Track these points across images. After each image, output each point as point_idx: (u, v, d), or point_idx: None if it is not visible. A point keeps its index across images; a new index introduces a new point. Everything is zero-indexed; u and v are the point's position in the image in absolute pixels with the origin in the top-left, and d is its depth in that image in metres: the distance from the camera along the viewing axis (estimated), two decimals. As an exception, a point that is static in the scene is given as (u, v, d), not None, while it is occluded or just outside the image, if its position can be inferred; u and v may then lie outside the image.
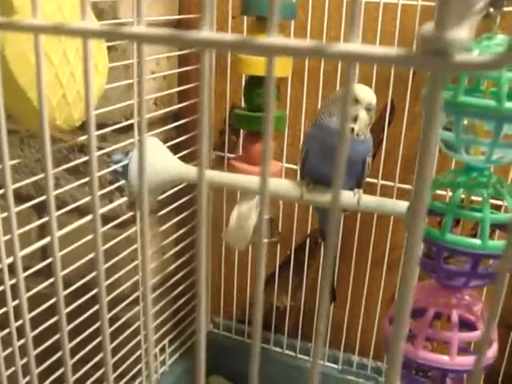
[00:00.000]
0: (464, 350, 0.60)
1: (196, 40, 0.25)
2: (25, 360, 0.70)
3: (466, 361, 0.58)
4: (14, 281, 0.72)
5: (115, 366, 0.97)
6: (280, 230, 1.06)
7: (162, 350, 1.10)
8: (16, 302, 0.73)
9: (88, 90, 0.29)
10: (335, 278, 1.03)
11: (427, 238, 0.55)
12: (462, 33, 0.21)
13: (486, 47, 0.50)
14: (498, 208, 0.62)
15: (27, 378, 0.74)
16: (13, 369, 0.74)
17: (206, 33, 0.25)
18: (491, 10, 0.45)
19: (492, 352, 0.60)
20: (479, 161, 0.55)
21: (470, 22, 0.24)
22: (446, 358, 0.58)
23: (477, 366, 0.30)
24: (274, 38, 0.24)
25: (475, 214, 0.55)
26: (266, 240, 0.99)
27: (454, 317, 0.58)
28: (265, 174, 0.28)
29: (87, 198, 0.87)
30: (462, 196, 0.57)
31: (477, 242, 0.54)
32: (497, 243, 0.54)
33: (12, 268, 0.71)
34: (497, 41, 0.50)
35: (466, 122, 0.53)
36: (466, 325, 0.60)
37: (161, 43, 0.26)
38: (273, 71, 0.25)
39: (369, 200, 0.81)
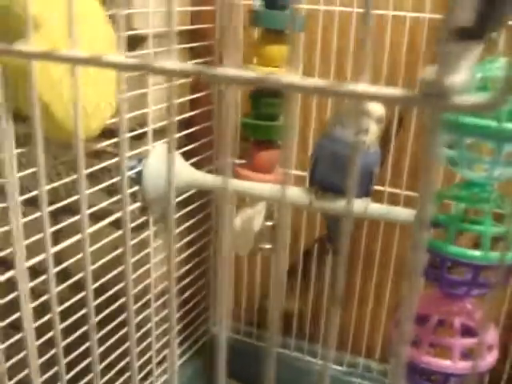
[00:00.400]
0: (465, 355, 0.63)
1: (222, 77, 0.28)
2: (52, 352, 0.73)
3: (468, 366, 0.60)
4: (33, 283, 0.75)
5: (125, 368, 1.00)
6: (288, 235, 1.08)
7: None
8: (36, 303, 0.76)
9: (122, 115, 0.32)
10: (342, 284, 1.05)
11: (431, 249, 0.58)
12: (460, 76, 0.24)
13: (487, 70, 0.52)
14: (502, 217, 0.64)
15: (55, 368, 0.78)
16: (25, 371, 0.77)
17: (232, 70, 0.28)
18: (493, 34, 0.48)
19: (492, 357, 0.63)
20: (481, 177, 0.57)
21: (468, 62, 0.26)
22: (448, 362, 0.60)
23: (474, 368, 0.32)
24: (289, 76, 0.26)
25: (476, 227, 0.57)
26: (268, 246, 1.02)
27: (456, 324, 0.61)
28: (284, 186, 0.30)
29: (103, 204, 0.89)
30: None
31: (478, 253, 0.56)
32: (497, 255, 0.57)
33: (32, 271, 0.74)
34: (499, 64, 0.53)
35: (468, 141, 0.56)
36: (467, 331, 0.62)
37: (189, 77, 0.29)
38: (292, 107, 0.28)
39: (376, 208, 0.83)
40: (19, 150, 0.71)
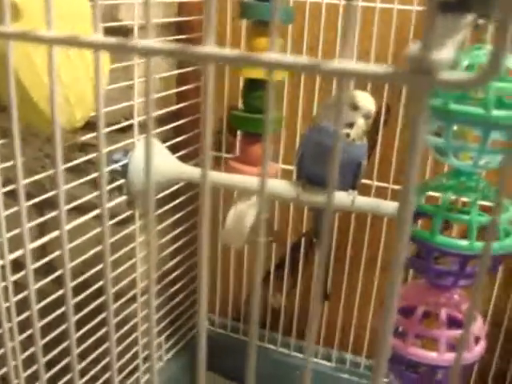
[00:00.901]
0: (453, 347, 0.62)
1: (201, 54, 0.27)
2: (31, 350, 0.72)
3: (454, 357, 0.60)
4: (16, 277, 0.74)
5: (108, 365, 0.99)
6: (276, 228, 1.08)
7: (159, 346, 1.12)
8: (18, 297, 0.75)
9: (98, 96, 0.31)
10: (329, 278, 1.05)
11: (417, 239, 0.57)
12: (446, 52, 0.23)
13: (475, 57, 0.52)
14: (486, 210, 0.64)
15: (34, 368, 0.77)
16: (14, 362, 0.76)
17: (210, 48, 0.27)
18: (480, 21, 0.47)
19: (479, 349, 0.62)
20: (467, 165, 0.57)
21: (453, 40, 0.26)
22: (434, 354, 0.60)
23: (457, 360, 0.32)
24: (273, 54, 0.26)
25: (463, 216, 0.57)
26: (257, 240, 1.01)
27: (443, 315, 0.60)
28: (264, 175, 0.29)
29: (87, 197, 0.88)
30: (453, 197, 0.59)
31: (464, 243, 0.56)
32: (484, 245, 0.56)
33: (14, 265, 0.73)
34: (485, 50, 0.52)
35: (455, 127, 0.56)
36: (454, 323, 0.62)
37: (168, 56, 0.28)
38: (272, 82, 0.27)
39: (362, 201, 0.83)
40: (1, 141, 0.70)
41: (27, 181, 0.78)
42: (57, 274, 0.82)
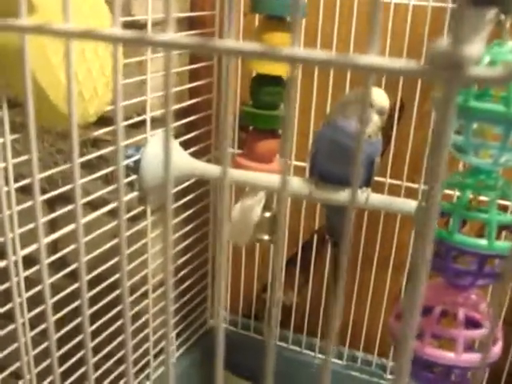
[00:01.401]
0: (469, 348, 0.61)
1: (222, 48, 0.26)
2: (45, 344, 0.72)
3: (471, 358, 0.59)
4: (28, 272, 0.74)
5: (122, 359, 0.99)
6: (287, 226, 1.07)
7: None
8: (30, 292, 0.75)
9: (117, 91, 0.31)
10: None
11: (435, 238, 0.57)
12: (475, 47, 0.22)
13: (496, 54, 0.51)
14: (505, 209, 0.63)
15: (48, 361, 0.77)
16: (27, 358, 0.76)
17: (232, 42, 0.26)
18: (502, 17, 0.47)
19: (496, 349, 0.62)
20: (487, 163, 0.56)
21: (481, 35, 0.25)
22: (451, 354, 0.59)
23: (482, 362, 0.31)
24: (298, 49, 0.25)
25: (482, 215, 0.56)
26: (266, 237, 1.01)
27: (461, 315, 0.60)
28: (285, 174, 0.29)
29: (100, 193, 0.88)
30: (471, 196, 0.58)
31: (483, 242, 0.55)
32: (503, 244, 0.55)
33: (26, 260, 0.73)
34: (507, 48, 0.52)
35: (475, 126, 0.55)
36: (471, 323, 0.61)
37: (188, 49, 0.27)
38: (296, 79, 0.26)
39: (376, 198, 0.82)
40: (14, 136, 0.70)
41: (42, 175, 0.78)
42: (70, 268, 0.82)
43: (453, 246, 0.56)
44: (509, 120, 0.49)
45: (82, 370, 0.84)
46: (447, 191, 0.63)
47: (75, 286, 0.82)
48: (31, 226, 0.70)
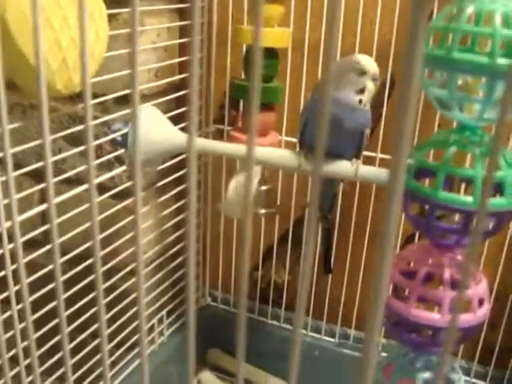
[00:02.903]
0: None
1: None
2: (23, 325, 0.71)
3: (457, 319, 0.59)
4: (11, 245, 0.73)
5: (113, 336, 0.98)
6: (279, 202, 1.06)
7: (160, 320, 1.11)
8: (14, 266, 0.74)
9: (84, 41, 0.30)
10: (332, 251, 1.03)
11: (420, 196, 0.56)
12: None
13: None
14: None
15: (25, 343, 0.76)
16: (11, 333, 0.75)
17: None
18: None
19: (483, 311, 0.61)
20: (472, 119, 0.55)
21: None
22: (437, 316, 0.59)
23: (453, 320, 0.30)
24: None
25: (467, 171, 0.55)
26: (263, 210, 1.00)
27: (446, 275, 0.59)
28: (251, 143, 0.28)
29: (84, 167, 0.87)
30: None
31: (468, 198, 0.55)
32: (489, 201, 0.55)
33: (10, 233, 0.72)
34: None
35: (460, 81, 0.54)
36: (457, 286, 0.60)
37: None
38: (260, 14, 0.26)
39: (366, 170, 0.81)
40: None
41: (14, 150, 0.77)
42: (47, 248, 0.81)
43: (437, 204, 0.55)
44: (493, 72, 0.48)
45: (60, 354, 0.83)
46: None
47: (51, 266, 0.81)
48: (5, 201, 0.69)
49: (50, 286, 0.80)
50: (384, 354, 0.89)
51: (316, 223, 0.29)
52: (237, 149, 0.87)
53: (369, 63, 0.77)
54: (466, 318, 0.60)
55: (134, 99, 0.32)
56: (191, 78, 0.29)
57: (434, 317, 0.59)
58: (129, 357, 1.03)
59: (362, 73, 0.77)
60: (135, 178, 0.33)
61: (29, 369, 0.78)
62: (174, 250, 1.09)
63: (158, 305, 1.09)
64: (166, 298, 1.12)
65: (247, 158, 0.28)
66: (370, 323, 0.28)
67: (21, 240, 0.74)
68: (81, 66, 0.70)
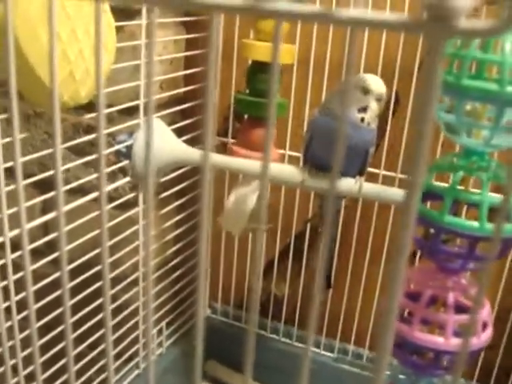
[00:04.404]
0: (459, 334, 0.61)
1: (204, 4, 0.26)
2: (26, 332, 0.71)
3: (461, 343, 0.58)
4: (15, 255, 0.73)
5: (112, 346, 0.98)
6: (280, 216, 1.07)
7: (160, 332, 1.11)
8: (18, 275, 0.74)
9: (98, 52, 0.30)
10: (333, 266, 1.03)
11: (426, 220, 0.56)
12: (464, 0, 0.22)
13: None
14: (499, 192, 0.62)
15: (25, 353, 0.76)
16: (12, 342, 0.75)
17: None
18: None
19: (486, 335, 0.61)
20: (479, 144, 0.56)
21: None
22: (440, 339, 0.59)
23: (464, 344, 0.30)
24: (282, 3, 0.24)
25: (474, 196, 0.56)
26: (258, 226, 1.00)
27: (450, 299, 0.59)
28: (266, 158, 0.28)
29: (90, 177, 0.87)
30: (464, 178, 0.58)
31: (475, 224, 0.55)
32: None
33: (15, 243, 0.72)
34: None
35: (468, 107, 0.54)
36: (461, 309, 0.61)
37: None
38: (280, 35, 0.26)
39: (370, 187, 0.82)
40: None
41: (24, 159, 0.77)
42: (54, 255, 0.81)
43: (443, 228, 0.55)
44: (501, 99, 0.49)
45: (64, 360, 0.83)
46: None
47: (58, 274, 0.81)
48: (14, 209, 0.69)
49: (52, 297, 0.80)
50: (387, 372, 0.89)
51: (329, 242, 0.29)
52: (240, 163, 0.87)
53: (374, 83, 0.77)
54: (471, 342, 0.60)
55: (150, 108, 0.32)
56: (206, 96, 0.29)
57: (438, 340, 0.59)
58: (126, 368, 1.03)
59: (367, 91, 0.77)
60: (146, 184, 0.33)
61: (29, 378, 0.79)
62: (175, 262, 1.09)
63: (157, 316, 1.09)
64: (165, 309, 1.12)
65: (262, 175, 0.28)
66: (382, 344, 0.28)
67: (28, 248, 0.75)
68: (92, 78, 0.70)
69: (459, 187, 0.56)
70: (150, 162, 0.32)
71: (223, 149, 1.07)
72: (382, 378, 0.28)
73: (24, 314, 0.74)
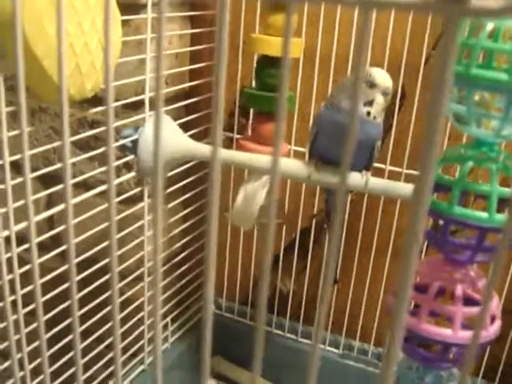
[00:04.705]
0: (467, 326, 0.60)
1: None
2: (34, 325, 0.71)
3: (469, 335, 0.58)
4: (21, 248, 0.73)
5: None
6: (286, 211, 1.06)
7: (165, 327, 1.11)
8: (22, 269, 0.74)
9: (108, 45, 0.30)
10: (339, 262, 1.03)
11: (434, 211, 0.56)
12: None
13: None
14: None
15: (31, 347, 0.76)
16: (18, 336, 0.75)
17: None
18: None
19: (494, 328, 0.61)
20: (489, 135, 0.55)
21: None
22: (448, 331, 0.58)
23: (475, 337, 0.30)
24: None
25: (483, 187, 0.55)
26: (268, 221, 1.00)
27: (458, 291, 0.59)
28: (277, 152, 0.28)
29: (95, 172, 0.87)
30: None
31: (484, 215, 0.54)
32: (504, 217, 0.54)
33: (20, 237, 0.72)
34: None
35: (477, 97, 0.54)
36: (469, 302, 0.60)
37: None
38: (292, 20, 0.25)
39: (376, 182, 0.81)
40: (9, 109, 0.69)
41: (30, 152, 0.77)
42: (61, 249, 0.81)
43: (452, 219, 0.55)
44: (511, 89, 0.48)
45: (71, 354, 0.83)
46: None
47: (65, 267, 0.81)
48: (21, 202, 0.69)
49: (58, 290, 0.80)
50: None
51: (340, 237, 0.29)
52: (250, 158, 0.87)
53: (381, 76, 0.77)
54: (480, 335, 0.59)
55: (158, 102, 0.31)
56: (216, 93, 0.29)
57: (446, 332, 0.58)
58: (132, 363, 1.03)
59: (372, 85, 0.77)
60: (155, 179, 0.33)
61: (35, 372, 0.79)
62: (180, 257, 1.09)
63: (162, 311, 1.09)
64: (170, 304, 1.11)
65: (272, 169, 0.28)
66: (391, 339, 0.28)
67: (35, 241, 0.74)
68: (104, 69, 0.70)
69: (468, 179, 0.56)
70: (159, 157, 0.32)
71: (229, 144, 1.07)
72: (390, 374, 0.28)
73: (31, 307, 0.74)
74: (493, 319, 0.61)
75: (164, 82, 1.02)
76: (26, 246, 0.72)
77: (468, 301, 0.60)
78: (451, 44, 0.21)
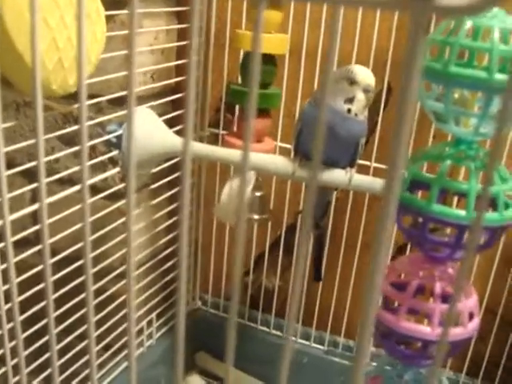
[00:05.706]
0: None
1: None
2: (11, 325, 0.70)
3: (448, 332, 0.58)
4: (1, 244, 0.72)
5: (101, 338, 0.97)
6: (271, 208, 1.06)
7: (149, 323, 1.11)
8: (3, 266, 0.73)
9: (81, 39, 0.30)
10: (323, 259, 1.03)
11: (413, 209, 0.56)
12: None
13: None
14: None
15: (13, 343, 0.75)
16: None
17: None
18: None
19: (473, 325, 0.61)
20: (467, 133, 0.55)
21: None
22: (427, 329, 0.59)
23: (444, 334, 0.30)
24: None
25: (461, 185, 0.55)
26: (256, 216, 1.00)
27: (437, 288, 0.59)
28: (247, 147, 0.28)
29: (78, 167, 0.87)
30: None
31: (462, 212, 0.54)
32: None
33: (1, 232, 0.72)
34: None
35: (456, 95, 0.54)
36: (448, 300, 0.60)
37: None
38: (261, 17, 0.25)
39: (361, 179, 0.81)
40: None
41: (8, 149, 0.76)
42: (37, 248, 0.80)
43: (431, 217, 0.55)
44: (490, 87, 0.48)
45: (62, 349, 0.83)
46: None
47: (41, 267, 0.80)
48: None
49: (39, 287, 0.79)
50: (374, 364, 0.89)
51: (309, 230, 0.29)
52: (231, 154, 0.87)
53: (361, 73, 0.76)
54: (457, 332, 0.60)
55: (130, 100, 0.31)
56: (188, 82, 0.28)
57: (424, 330, 0.59)
58: (117, 359, 1.03)
59: (353, 82, 0.76)
60: (129, 177, 0.33)
61: (16, 369, 0.78)
62: (165, 253, 1.09)
63: (147, 307, 1.09)
64: (155, 300, 1.11)
65: (242, 164, 0.28)
66: (361, 334, 0.28)
67: (11, 239, 0.74)
68: (77, 66, 0.69)
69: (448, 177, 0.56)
70: (132, 159, 0.32)
71: (215, 140, 1.07)
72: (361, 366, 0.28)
73: (8, 306, 0.74)
74: (471, 317, 0.62)
75: (150, 77, 1.02)
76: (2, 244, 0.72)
77: (447, 298, 0.60)
78: (417, 42, 0.21)
